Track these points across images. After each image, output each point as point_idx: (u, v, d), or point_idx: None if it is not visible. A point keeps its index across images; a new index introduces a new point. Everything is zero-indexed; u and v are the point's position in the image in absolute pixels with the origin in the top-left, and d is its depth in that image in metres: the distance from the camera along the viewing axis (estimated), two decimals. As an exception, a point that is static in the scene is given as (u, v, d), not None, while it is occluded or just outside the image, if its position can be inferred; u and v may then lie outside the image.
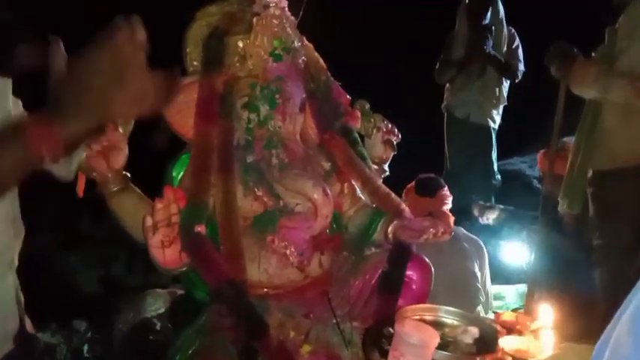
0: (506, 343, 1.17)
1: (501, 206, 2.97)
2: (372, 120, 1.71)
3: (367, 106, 1.70)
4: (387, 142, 1.74)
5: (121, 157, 1.38)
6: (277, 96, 1.38)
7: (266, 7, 1.39)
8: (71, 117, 0.86)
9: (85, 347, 2.57)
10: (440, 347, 1.12)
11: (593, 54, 2.14)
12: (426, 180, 2.60)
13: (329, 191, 1.42)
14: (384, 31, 5.16)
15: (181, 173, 1.44)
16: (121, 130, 1.39)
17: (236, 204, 1.35)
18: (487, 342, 1.22)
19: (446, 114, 4.10)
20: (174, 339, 1.44)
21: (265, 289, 1.40)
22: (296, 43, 1.42)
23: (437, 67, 3.99)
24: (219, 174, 1.35)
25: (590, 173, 2.14)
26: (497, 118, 4.05)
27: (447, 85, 4.04)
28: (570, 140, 2.37)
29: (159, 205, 1.19)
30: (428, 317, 1.28)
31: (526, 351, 1.13)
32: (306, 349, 1.31)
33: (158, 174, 1.75)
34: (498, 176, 4.12)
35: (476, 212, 3.01)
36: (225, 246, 1.32)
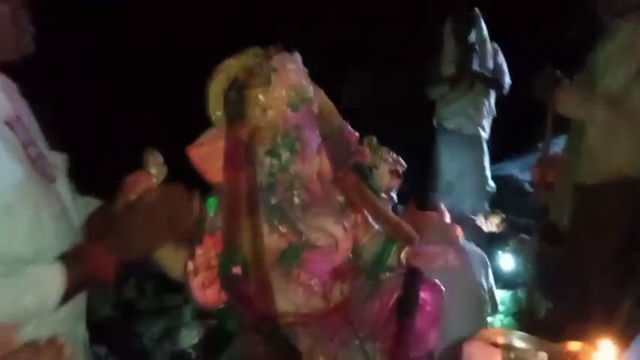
0: None
1: (503, 215, 3.14)
2: (380, 153, 1.85)
3: (374, 140, 1.85)
4: (394, 172, 1.89)
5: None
6: (297, 143, 1.52)
7: (282, 62, 1.53)
8: (128, 252, 1.12)
9: (107, 372, 2.68)
10: None
11: (575, 77, 2.31)
12: (426, 196, 2.77)
13: (348, 226, 1.56)
14: (371, 48, 5.33)
15: (210, 215, 1.58)
16: (154, 178, 1.51)
17: (263, 242, 1.49)
18: None
19: (438, 127, 4.27)
20: (209, 368, 1.58)
21: (292, 318, 1.54)
22: (310, 92, 1.56)
23: (428, 83, 4.17)
24: (247, 215, 1.49)
25: (576, 186, 2.30)
26: (488, 128, 4.23)
27: (438, 99, 4.22)
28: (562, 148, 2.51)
29: (199, 252, 1.33)
30: (501, 340, 1.41)
31: None
32: (335, 371, 1.45)
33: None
34: (491, 183, 4.29)
35: (481, 219, 3.18)
36: (256, 281, 1.46)
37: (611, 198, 2.12)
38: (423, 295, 1.59)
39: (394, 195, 1.94)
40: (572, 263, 2.28)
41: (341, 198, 1.65)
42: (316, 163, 1.61)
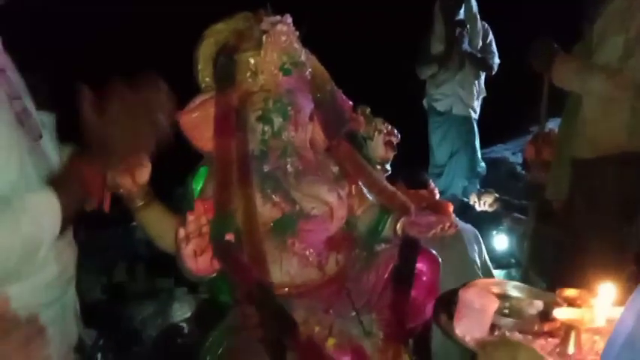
0: (560, 313, 1.27)
1: (496, 194, 3.11)
2: (374, 123, 1.81)
3: (368, 110, 1.80)
4: (388, 144, 1.85)
5: (145, 173, 1.45)
6: (289, 108, 1.47)
7: (273, 24, 1.47)
8: (111, 157, 1.06)
9: (99, 356, 2.63)
10: (504, 316, 1.27)
11: (573, 49, 2.27)
12: (415, 173, 2.71)
13: (343, 194, 1.52)
14: (363, 29, 5.26)
15: (200, 185, 1.52)
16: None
17: (256, 211, 1.44)
18: (550, 314, 1.32)
19: (428, 108, 4.24)
20: (201, 341, 1.53)
21: (287, 289, 1.50)
22: (302, 56, 1.51)
23: (418, 63, 4.12)
24: (239, 184, 1.43)
25: (573, 161, 2.27)
26: (478, 109, 4.22)
27: (428, 80, 4.18)
28: (556, 128, 2.49)
29: (190, 218, 1.28)
30: (496, 290, 1.39)
31: (580, 320, 1.21)
32: (331, 342, 1.41)
33: (174, 185, 1.84)
34: (482, 164, 4.28)
35: (474, 199, 3.14)
36: (249, 251, 1.41)
37: (609, 172, 2.09)
38: (420, 265, 1.56)
39: (388, 167, 1.90)
40: (569, 239, 2.26)
41: (335, 168, 1.61)
42: (309, 131, 1.56)
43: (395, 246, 1.59)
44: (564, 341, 1.23)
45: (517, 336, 1.25)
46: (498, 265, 3.26)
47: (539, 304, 1.36)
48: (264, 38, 1.46)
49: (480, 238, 2.57)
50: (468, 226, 2.56)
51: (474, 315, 1.22)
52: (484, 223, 3.29)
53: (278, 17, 1.50)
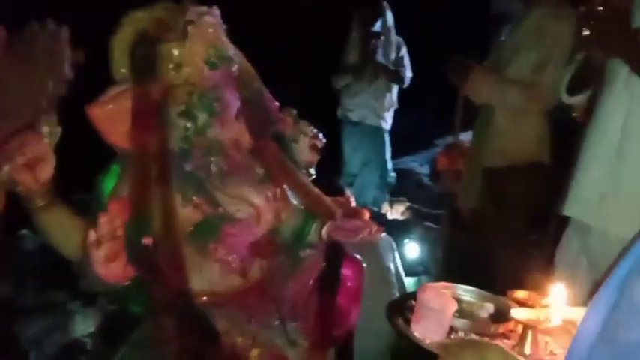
0: (517, 313, 1.27)
1: (408, 203, 3.17)
2: (299, 126, 1.76)
3: (294, 112, 1.75)
4: (313, 147, 1.81)
5: (48, 169, 1.29)
6: (215, 104, 1.38)
7: (200, 15, 1.38)
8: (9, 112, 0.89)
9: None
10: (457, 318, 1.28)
11: (483, 63, 2.38)
12: (331, 182, 2.72)
13: (270, 196, 1.45)
14: (280, 38, 5.23)
15: (113, 184, 1.39)
16: (46, 139, 1.30)
17: (175, 213, 1.33)
18: (501, 316, 1.35)
19: (342, 118, 4.29)
20: (108, 357, 1.39)
21: (206, 297, 1.40)
22: (230, 51, 1.43)
23: (334, 72, 4.17)
24: (158, 184, 1.32)
25: (484, 170, 2.37)
26: (390, 120, 4.33)
27: (342, 90, 4.23)
28: (467, 139, 2.60)
29: (103, 219, 1.15)
30: (447, 294, 1.38)
31: (536, 319, 1.22)
32: (254, 352, 1.34)
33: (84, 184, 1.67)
34: (393, 174, 4.38)
35: (386, 207, 3.19)
36: (167, 256, 1.30)
37: (518, 180, 2.21)
38: (345, 270, 1.53)
39: (313, 172, 1.86)
40: (480, 245, 2.35)
41: (260, 170, 1.54)
42: (235, 130, 1.47)
43: (320, 251, 1.55)
44: (521, 341, 1.25)
45: (473, 337, 1.25)
46: (408, 273, 3.32)
47: (490, 307, 1.39)
48: (190, 29, 1.36)
49: (395, 246, 2.61)
50: (383, 234, 2.59)
51: (433, 316, 1.22)
52: (395, 231, 3.34)
53: (205, 8, 1.41)
